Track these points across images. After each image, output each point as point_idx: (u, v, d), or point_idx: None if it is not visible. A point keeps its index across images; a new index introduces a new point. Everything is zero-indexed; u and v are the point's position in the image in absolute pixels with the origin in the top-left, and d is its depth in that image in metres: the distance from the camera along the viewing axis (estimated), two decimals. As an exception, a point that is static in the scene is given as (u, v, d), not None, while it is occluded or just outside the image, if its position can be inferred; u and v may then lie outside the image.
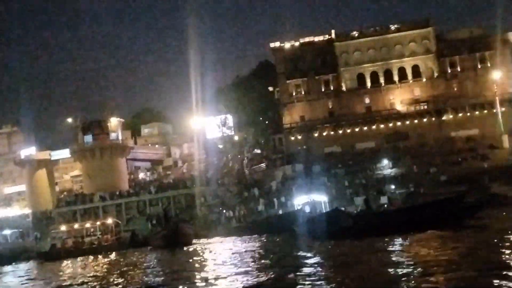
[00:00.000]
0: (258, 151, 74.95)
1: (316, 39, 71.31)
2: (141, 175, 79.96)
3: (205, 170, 71.87)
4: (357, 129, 68.81)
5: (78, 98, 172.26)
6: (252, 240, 37.35)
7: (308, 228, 31.09)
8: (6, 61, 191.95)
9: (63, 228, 45.37)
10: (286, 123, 70.49)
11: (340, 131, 68.88)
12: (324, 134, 68.98)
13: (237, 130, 76.20)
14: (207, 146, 79.12)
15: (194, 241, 40.67)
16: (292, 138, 69.63)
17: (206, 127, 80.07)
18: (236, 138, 76.68)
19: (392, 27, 71.48)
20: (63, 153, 77.80)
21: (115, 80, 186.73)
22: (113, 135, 73.55)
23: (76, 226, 45.55)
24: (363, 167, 60.39)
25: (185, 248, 36.03)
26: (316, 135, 69.11)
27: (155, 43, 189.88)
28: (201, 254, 30.43)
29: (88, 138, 73.11)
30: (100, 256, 39.36)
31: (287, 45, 71.23)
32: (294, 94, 70.73)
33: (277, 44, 71.11)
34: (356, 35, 71.26)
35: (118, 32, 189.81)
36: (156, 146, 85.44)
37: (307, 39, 71.09)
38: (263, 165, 68.27)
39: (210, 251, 32.14)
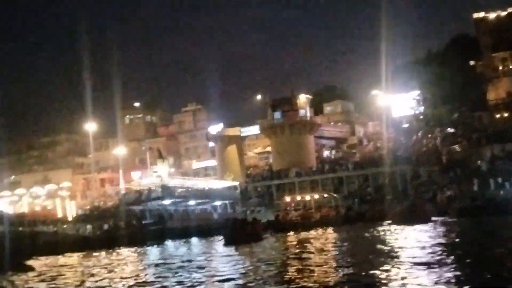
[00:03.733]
0: (451, 130, 69.70)
1: (527, 7, 64.15)
2: (326, 153, 78.09)
3: (394, 149, 68.24)
4: None
5: (261, 76, 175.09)
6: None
7: None
8: (195, 46, 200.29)
9: (287, 199, 44.30)
10: (491, 100, 64.37)
11: (554, 109, 61.59)
12: (535, 111, 62.06)
13: (430, 107, 71.35)
14: (394, 124, 75.25)
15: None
16: (498, 115, 63.43)
17: (393, 104, 76.27)
18: (426, 116, 72.14)
19: None
20: (252, 130, 78.36)
21: (297, 58, 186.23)
22: (301, 112, 72.36)
23: (298, 198, 44.25)
24: None
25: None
26: (525, 112, 62.39)
27: (341, 20, 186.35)
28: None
29: (277, 115, 72.59)
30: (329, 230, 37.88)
31: (492, 15, 64.89)
32: (500, 68, 64.41)
33: (481, 14, 65.00)
34: None
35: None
36: (339, 124, 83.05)
37: (516, 8, 64.22)
38: (456, 146, 63.31)
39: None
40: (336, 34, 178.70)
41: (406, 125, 76.18)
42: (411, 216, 35.71)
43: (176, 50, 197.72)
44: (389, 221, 39.56)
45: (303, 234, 36.26)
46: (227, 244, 31.49)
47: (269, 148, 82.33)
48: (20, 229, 32.77)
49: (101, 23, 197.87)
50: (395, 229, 33.87)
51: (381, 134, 75.14)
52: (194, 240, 42.44)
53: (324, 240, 31.94)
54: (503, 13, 64.79)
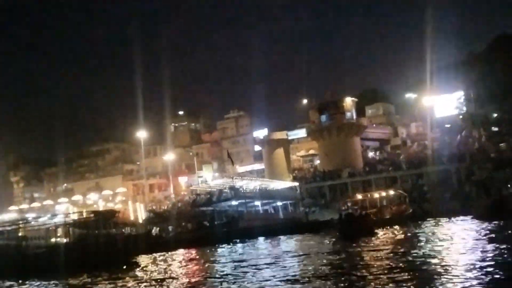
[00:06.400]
0: (496, 128, 68.99)
1: None
2: (370, 154, 77.83)
3: (440, 149, 67.66)
4: None
5: (304, 80, 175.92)
6: None
7: None
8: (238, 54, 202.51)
9: (359, 197, 44.19)
10: (540, 97, 63.65)
11: None
12: None
13: (475, 106, 70.81)
14: (438, 125, 74.70)
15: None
16: (547, 113, 62.66)
17: (436, 105, 75.83)
18: (471, 115, 71.55)
19: None
20: (299, 133, 78.53)
21: (339, 61, 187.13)
22: (348, 115, 72.21)
23: (368, 195, 44.12)
24: None
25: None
26: None
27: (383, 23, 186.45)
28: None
29: (324, 118, 72.65)
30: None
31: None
32: (549, 65, 63.67)
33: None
34: None
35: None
36: (381, 126, 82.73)
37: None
38: (503, 144, 62.60)
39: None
40: (377, 37, 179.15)
41: (448, 125, 75.57)
42: (498, 211, 35.03)
43: (218, 58, 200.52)
44: (471, 216, 39.01)
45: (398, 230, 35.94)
46: (343, 238, 30.84)
47: (312, 151, 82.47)
48: (114, 231, 33.11)
49: (149, 37, 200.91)
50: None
51: (425, 134, 74.79)
52: (261, 239, 42.40)
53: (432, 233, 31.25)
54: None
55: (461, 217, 39.94)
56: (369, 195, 44.18)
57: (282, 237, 41.75)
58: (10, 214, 77.34)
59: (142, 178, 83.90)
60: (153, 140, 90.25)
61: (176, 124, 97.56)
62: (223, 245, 38.54)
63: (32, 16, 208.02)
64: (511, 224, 31.19)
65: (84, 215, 33.82)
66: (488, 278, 13.86)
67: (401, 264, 18.15)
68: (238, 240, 41.11)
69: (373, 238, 29.98)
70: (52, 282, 23.71)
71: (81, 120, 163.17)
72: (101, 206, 73.87)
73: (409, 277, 15.27)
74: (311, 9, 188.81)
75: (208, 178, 76.47)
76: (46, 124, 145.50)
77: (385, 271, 16.55)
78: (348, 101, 72.99)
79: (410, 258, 19.72)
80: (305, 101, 78.30)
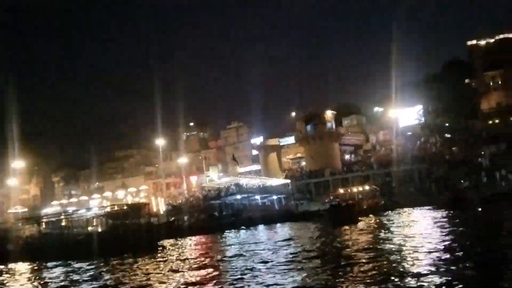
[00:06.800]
0: (448, 135, 68.81)
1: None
2: (347, 157, 77.37)
3: (403, 153, 67.37)
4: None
5: (293, 95, 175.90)
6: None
7: None
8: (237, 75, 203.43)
9: (341, 191, 43.63)
10: (484, 109, 63.55)
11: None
12: (523, 117, 61.05)
13: (432, 118, 70.69)
14: (401, 133, 74.47)
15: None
16: (490, 122, 62.54)
17: (399, 116, 75.60)
18: (429, 125, 71.42)
19: None
20: (289, 140, 78.01)
21: (322, 79, 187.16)
22: (328, 125, 71.83)
23: (348, 190, 43.60)
24: None
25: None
26: (513, 118, 61.40)
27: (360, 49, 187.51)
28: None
29: (309, 127, 72.22)
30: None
31: (483, 42, 64.30)
32: (491, 84, 63.62)
33: (474, 41, 64.48)
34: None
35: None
36: (355, 133, 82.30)
37: (503, 36, 63.50)
38: (455, 148, 62.38)
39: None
40: (351, 60, 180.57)
41: (410, 133, 75.36)
42: (455, 202, 34.71)
43: (223, 79, 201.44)
44: (434, 207, 38.56)
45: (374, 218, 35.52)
46: (335, 226, 30.09)
47: (299, 154, 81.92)
48: (141, 220, 32.52)
49: (166, 62, 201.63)
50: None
51: (391, 141, 74.49)
52: (261, 227, 41.88)
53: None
54: (491, 40, 64.17)
55: (426, 207, 39.61)
56: (349, 190, 43.71)
57: (278, 224, 41.31)
58: (53, 208, 76.48)
59: (160, 178, 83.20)
60: (169, 146, 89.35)
61: (188, 133, 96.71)
62: (230, 232, 38.09)
63: (74, 44, 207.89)
64: (465, 212, 31.19)
65: (118, 208, 33.26)
66: (447, 253, 14.26)
67: (381, 241, 17.92)
68: (243, 227, 40.93)
69: (358, 224, 29.64)
70: (90, 263, 23.24)
71: (109, 130, 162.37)
72: (128, 200, 73.05)
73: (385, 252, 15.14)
74: (298, 38, 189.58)
75: (214, 177, 75.94)
76: (81, 135, 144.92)
77: (367, 248, 16.32)
78: (329, 114, 72.61)
79: (385, 237, 19.44)
80: (293, 113, 77.76)
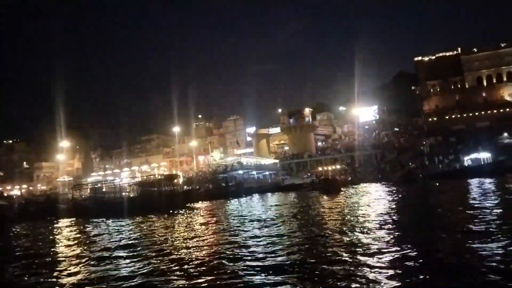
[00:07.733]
0: (397, 129, 67.97)
1: (448, 54, 62.38)
2: (320, 144, 76.14)
3: (363, 141, 66.43)
4: (476, 113, 59.26)
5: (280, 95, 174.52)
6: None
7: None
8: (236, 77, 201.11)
9: (320, 169, 42.29)
10: (426, 110, 62.68)
11: (465, 115, 59.78)
12: (453, 116, 60.27)
13: (384, 115, 69.66)
14: (361, 126, 73.50)
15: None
16: (430, 119, 61.77)
17: (360, 114, 74.58)
18: (383, 121, 70.43)
19: (502, 45, 60.52)
20: (276, 130, 76.38)
21: (303, 82, 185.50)
22: (306, 119, 70.45)
23: (325, 168, 42.22)
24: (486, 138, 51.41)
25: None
26: (447, 117, 60.63)
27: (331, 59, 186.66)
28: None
29: (291, 120, 70.75)
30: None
31: (426, 58, 63.21)
32: (431, 90, 62.68)
33: (419, 57, 63.32)
34: (476, 50, 61.25)
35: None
36: (326, 125, 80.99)
37: (441, 54, 62.46)
38: (402, 139, 61.51)
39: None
40: (323, 71, 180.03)
41: (367, 127, 74.44)
42: (407, 179, 33.73)
43: (224, 80, 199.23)
44: (390, 183, 37.48)
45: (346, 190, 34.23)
46: (324, 194, 28.86)
47: (283, 141, 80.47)
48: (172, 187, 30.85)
49: (180, 67, 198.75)
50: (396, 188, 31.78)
51: (353, 132, 73.55)
52: (256, 195, 40.44)
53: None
54: (433, 57, 63.11)
55: (383, 182, 38.52)
56: (325, 168, 42.35)
57: (269, 194, 39.98)
58: (92, 178, 74.07)
59: (175, 157, 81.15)
60: (182, 132, 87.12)
61: (197, 123, 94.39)
62: (234, 199, 36.67)
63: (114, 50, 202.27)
64: (415, 187, 30.27)
65: (153, 178, 31.62)
66: (399, 217, 13.65)
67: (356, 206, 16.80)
68: (244, 195, 39.63)
69: (341, 193, 28.49)
70: (122, 219, 21.77)
71: (136, 118, 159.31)
72: (154, 173, 70.96)
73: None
74: (284, 56, 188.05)
75: (217, 158, 74.09)
76: (115, 122, 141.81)
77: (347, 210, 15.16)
78: (307, 110, 71.25)
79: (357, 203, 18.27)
80: (279, 109, 76.13)
